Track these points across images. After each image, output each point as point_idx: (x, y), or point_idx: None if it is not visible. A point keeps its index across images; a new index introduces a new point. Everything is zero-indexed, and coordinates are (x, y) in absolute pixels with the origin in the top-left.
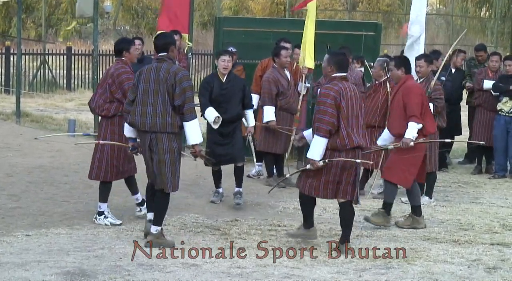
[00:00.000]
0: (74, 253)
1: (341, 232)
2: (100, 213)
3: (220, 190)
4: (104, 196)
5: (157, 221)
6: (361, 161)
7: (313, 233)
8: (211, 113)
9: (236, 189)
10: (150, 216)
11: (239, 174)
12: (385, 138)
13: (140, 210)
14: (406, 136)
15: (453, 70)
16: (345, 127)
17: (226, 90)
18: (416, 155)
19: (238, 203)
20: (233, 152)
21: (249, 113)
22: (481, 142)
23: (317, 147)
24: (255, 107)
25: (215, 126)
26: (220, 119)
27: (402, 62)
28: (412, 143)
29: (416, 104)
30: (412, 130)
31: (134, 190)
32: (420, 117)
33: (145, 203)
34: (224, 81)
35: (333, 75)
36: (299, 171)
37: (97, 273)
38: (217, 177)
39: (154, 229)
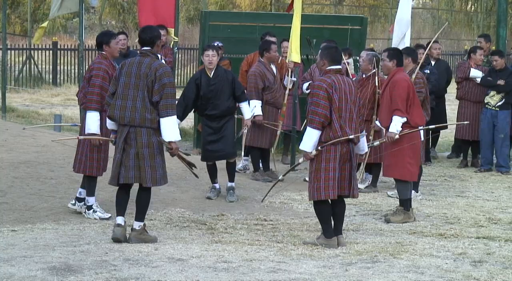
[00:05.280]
0: (60, 248)
1: (333, 226)
2: (89, 208)
3: (217, 185)
4: (91, 190)
5: (140, 217)
6: (355, 136)
7: (335, 242)
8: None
9: (229, 184)
10: (119, 220)
11: (231, 170)
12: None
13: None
14: (390, 130)
15: (433, 63)
16: (337, 120)
17: (214, 86)
18: (411, 145)
19: (231, 200)
20: (224, 148)
21: (244, 106)
22: (466, 122)
23: (310, 139)
24: None
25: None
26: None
27: (395, 54)
28: (397, 136)
29: (400, 97)
30: (396, 123)
31: (89, 193)
32: (404, 111)
33: (116, 208)
34: (211, 76)
35: (327, 68)
36: (291, 170)
37: (83, 268)
38: (212, 172)
39: (136, 225)
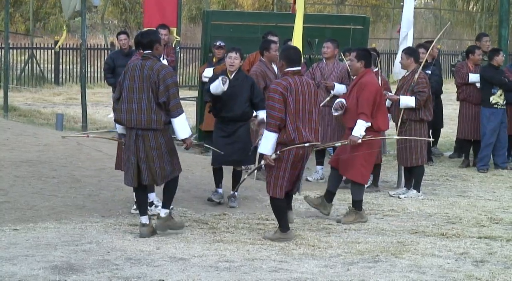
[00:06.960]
0: (61, 247)
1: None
2: (151, 204)
3: (220, 190)
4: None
5: (166, 204)
6: (310, 144)
7: (291, 235)
8: (216, 81)
9: (231, 192)
10: (144, 220)
11: (237, 178)
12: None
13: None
14: (353, 133)
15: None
16: (291, 122)
17: (232, 88)
18: (371, 152)
19: (232, 206)
20: (235, 155)
21: (262, 114)
22: (430, 139)
23: (268, 142)
24: None
25: (225, 87)
26: (227, 79)
27: (363, 55)
28: (359, 141)
29: (366, 101)
30: (360, 127)
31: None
32: (369, 115)
33: (138, 208)
34: (231, 78)
35: (285, 69)
36: (254, 170)
37: (85, 267)
38: (218, 176)
39: (163, 212)
